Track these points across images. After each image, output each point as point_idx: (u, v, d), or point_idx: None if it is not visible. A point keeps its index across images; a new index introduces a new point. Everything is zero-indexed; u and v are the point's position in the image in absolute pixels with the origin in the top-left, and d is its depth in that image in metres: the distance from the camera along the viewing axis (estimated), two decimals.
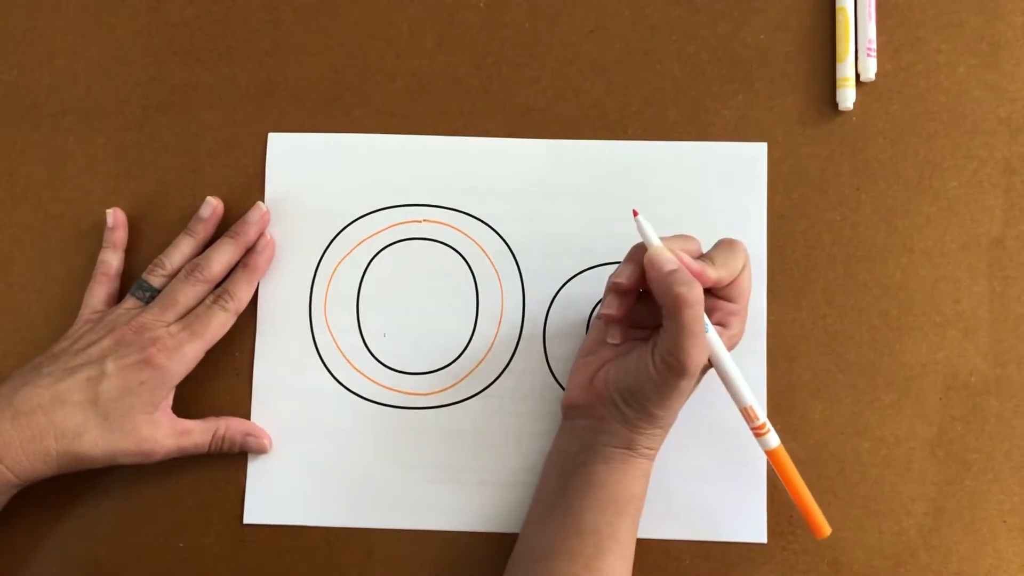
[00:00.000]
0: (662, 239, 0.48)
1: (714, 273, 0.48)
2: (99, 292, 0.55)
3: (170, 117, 0.58)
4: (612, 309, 0.49)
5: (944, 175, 0.56)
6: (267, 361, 0.56)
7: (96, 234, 0.56)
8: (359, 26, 0.58)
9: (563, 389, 0.55)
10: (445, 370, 0.55)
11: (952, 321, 0.55)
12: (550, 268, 0.56)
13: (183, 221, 0.56)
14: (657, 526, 0.53)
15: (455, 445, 0.55)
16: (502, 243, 0.56)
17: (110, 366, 0.50)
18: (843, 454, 0.54)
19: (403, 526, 0.54)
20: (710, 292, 0.49)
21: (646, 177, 0.56)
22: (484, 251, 0.56)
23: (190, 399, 0.54)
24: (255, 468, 0.55)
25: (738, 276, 0.49)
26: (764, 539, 0.53)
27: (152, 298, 0.53)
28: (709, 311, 0.49)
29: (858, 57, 0.56)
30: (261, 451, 0.54)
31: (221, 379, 0.55)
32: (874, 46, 0.56)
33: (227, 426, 0.54)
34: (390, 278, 0.56)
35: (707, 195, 0.56)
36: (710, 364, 0.49)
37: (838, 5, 0.57)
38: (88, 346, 0.51)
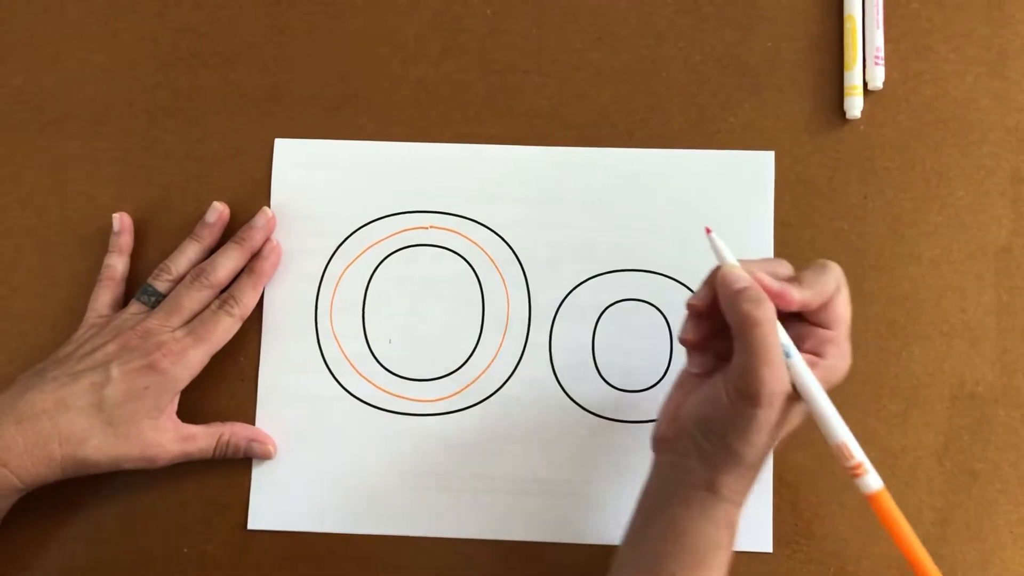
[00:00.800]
0: (747, 262, 0.45)
1: (799, 295, 0.44)
2: (104, 297, 0.55)
3: (176, 122, 0.58)
4: (687, 333, 0.46)
5: (952, 184, 0.55)
6: (272, 367, 0.55)
7: (102, 238, 0.56)
8: (366, 33, 0.58)
9: (568, 397, 0.55)
10: (450, 377, 0.55)
11: (959, 330, 0.55)
12: (556, 275, 0.56)
13: (189, 226, 0.56)
14: None
15: (460, 452, 0.55)
16: (508, 250, 0.56)
17: (115, 371, 0.50)
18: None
19: (408, 533, 0.54)
20: (801, 318, 0.46)
21: (652, 185, 0.56)
22: (490, 258, 0.56)
23: (195, 404, 0.54)
24: (259, 474, 0.55)
25: (832, 299, 0.45)
26: (770, 548, 0.53)
27: (157, 303, 0.53)
28: (801, 339, 0.45)
29: (866, 65, 0.56)
30: (266, 457, 0.54)
31: (226, 384, 0.55)
32: (882, 54, 0.56)
33: (232, 432, 0.54)
34: (396, 284, 0.56)
35: (714, 203, 0.56)
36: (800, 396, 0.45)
37: (846, 13, 0.57)
38: (93, 351, 0.51)
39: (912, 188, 0.56)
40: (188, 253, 0.55)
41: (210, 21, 0.59)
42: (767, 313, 0.43)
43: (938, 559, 0.53)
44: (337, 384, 0.55)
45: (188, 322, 0.53)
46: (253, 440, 0.54)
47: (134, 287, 0.56)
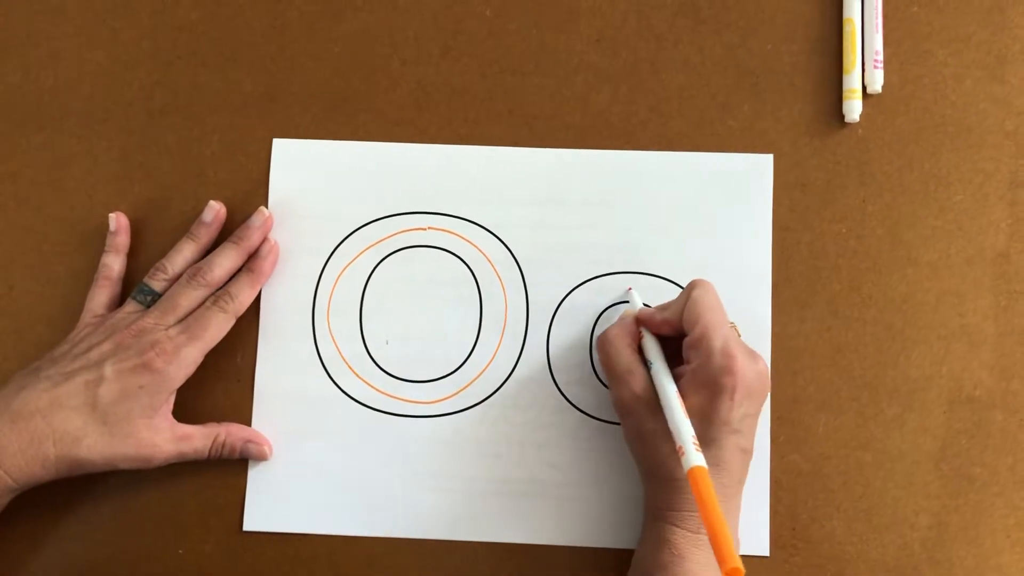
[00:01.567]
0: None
1: (659, 315, 0.50)
2: (100, 296, 0.54)
3: (174, 121, 0.58)
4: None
5: (950, 188, 0.56)
6: (269, 367, 0.55)
7: (98, 237, 0.56)
8: (365, 33, 0.58)
9: (566, 399, 0.55)
10: (448, 378, 0.55)
11: (957, 334, 0.55)
12: (555, 277, 0.55)
13: (186, 225, 0.56)
14: None
15: (457, 454, 0.54)
16: (507, 252, 0.56)
17: (108, 370, 0.50)
18: (846, 467, 0.54)
19: (404, 535, 0.54)
20: (673, 344, 0.50)
21: (651, 187, 0.56)
22: (488, 259, 0.56)
23: (191, 404, 0.54)
24: (255, 474, 0.54)
25: (683, 309, 0.49)
26: (767, 552, 0.53)
27: (153, 302, 0.53)
28: (677, 359, 0.49)
29: (865, 69, 0.56)
30: (261, 458, 0.54)
31: (222, 384, 0.55)
32: (881, 58, 0.56)
33: (228, 432, 0.53)
34: (394, 285, 0.56)
35: (712, 206, 0.56)
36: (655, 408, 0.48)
37: (845, 16, 0.57)
38: (88, 350, 0.51)
39: (910, 192, 0.56)
40: (184, 252, 0.55)
41: (209, 20, 0.59)
42: (609, 332, 0.50)
43: (935, 563, 0.53)
44: (334, 385, 0.55)
45: (183, 320, 0.52)
46: (249, 441, 0.54)
47: (131, 286, 0.56)
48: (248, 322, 0.55)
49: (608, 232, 0.56)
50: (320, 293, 0.56)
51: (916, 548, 0.53)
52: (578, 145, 0.57)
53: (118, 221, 0.56)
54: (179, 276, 0.54)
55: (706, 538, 0.46)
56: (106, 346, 0.51)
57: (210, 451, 0.53)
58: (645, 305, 0.54)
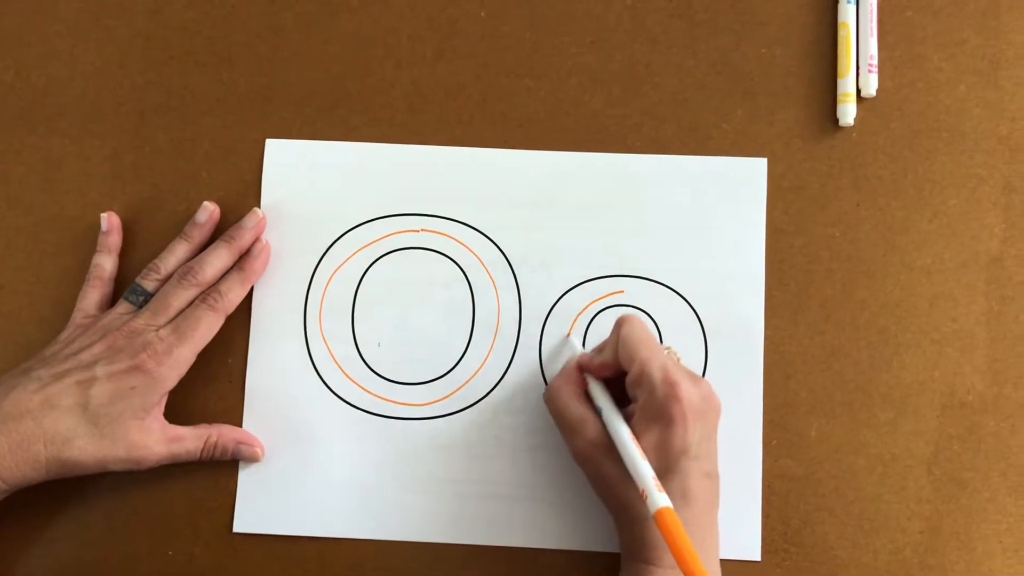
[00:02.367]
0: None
1: (597, 359, 0.50)
2: (92, 296, 0.54)
3: (167, 121, 0.58)
4: None
5: (944, 192, 0.56)
6: (260, 368, 0.55)
7: (90, 237, 0.56)
8: (359, 34, 0.58)
9: None
10: (439, 381, 0.55)
11: (950, 339, 0.55)
12: (547, 280, 0.55)
13: (178, 226, 0.56)
14: None
15: (448, 457, 0.54)
16: (500, 254, 0.56)
17: (100, 371, 0.50)
18: (839, 471, 0.54)
19: (394, 537, 0.54)
20: (619, 382, 0.49)
21: (645, 190, 0.56)
22: (481, 262, 0.56)
23: (182, 405, 0.54)
24: (246, 476, 0.54)
25: (615, 349, 0.49)
26: (758, 557, 0.53)
27: (145, 303, 0.53)
28: (626, 398, 0.49)
29: (859, 73, 0.56)
30: (253, 459, 0.54)
31: (214, 385, 0.55)
32: (875, 62, 0.56)
33: (219, 433, 0.53)
34: (386, 287, 0.56)
35: (706, 209, 0.56)
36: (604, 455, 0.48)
37: (840, 20, 0.57)
38: (79, 351, 0.51)
39: (904, 196, 0.56)
40: (177, 252, 0.55)
41: (203, 20, 0.58)
42: (554, 385, 0.50)
43: (927, 568, 0.53)
44: (325, 387, 0.55)
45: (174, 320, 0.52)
46: (240, 442, 0.54)
47: (123, 286, 0.55)
48: (239, 323, 0.55)
49: (602, 235, 0.56)
50: (312, 294, 0.56)
51: (908, 553, 0.53)
52: (572, 148, 0.56)
53: (110, 221, 0.56)
54: (172, 276, 0.54)
55: None
56: (98, 347, 0.51)
57: (201, 452, 0.53)
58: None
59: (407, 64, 0.58)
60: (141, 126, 0.58)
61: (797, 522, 0.53)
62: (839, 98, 0.56)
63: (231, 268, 0.55)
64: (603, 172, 0.56)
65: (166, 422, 0.52)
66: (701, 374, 0.54)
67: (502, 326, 0.55)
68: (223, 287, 0.53)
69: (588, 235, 0.56)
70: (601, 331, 0.55)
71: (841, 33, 0.56)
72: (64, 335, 0.53)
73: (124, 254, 0.56)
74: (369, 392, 0.55)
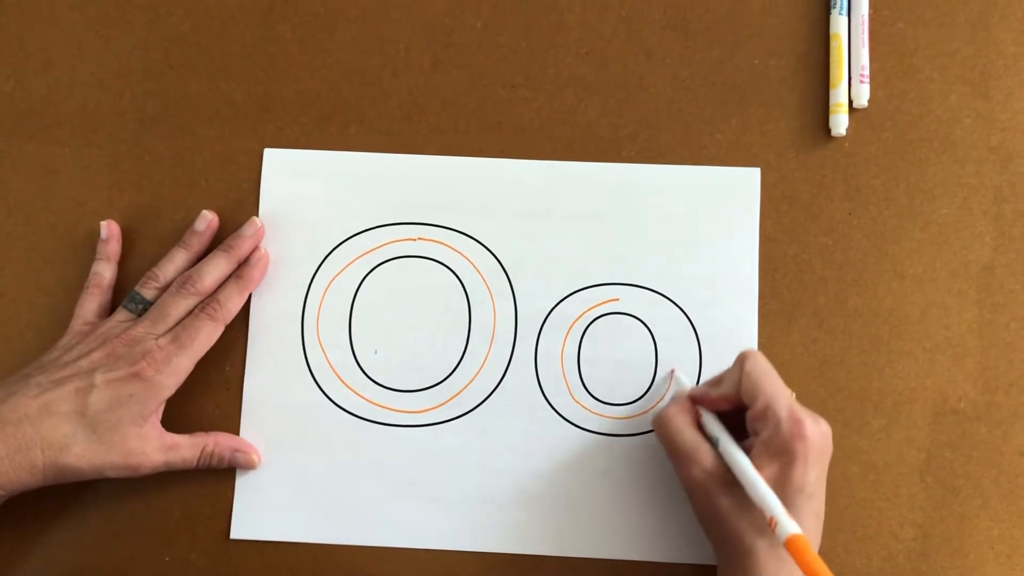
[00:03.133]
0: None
1: (715, 392, 0.50)
2: (91, 304, 0.55)
3: (166, 130, 0.58)
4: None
5: (935, 202, 0.56)
6: (258, 376, 0.55)
7: (89, 245, 0.56)
8: (356, 44, 0.58)
9: (553, 410, 0.55)
10: (436, 388, 0.55)
11: (942, 347, 0.55)
12: (543, 288, 0.56)
13: (177, 234, 0.56)
14: (634, 547, 0.53)
15: (444, 463, 0.55)
16: (496, 262, 0.56)
17: (99, 378, 0.50)
18: (831, 478, 0.54)
19: (391, 544, 0.54)
20: (737, 414, 0.49)
21: (639, 200, 0.56)
22: (477, 270, 0.56)
23: (180, 412, 0.54)
24: (243, 483, 0.55)
25: (738, 382, 0.49)
26: None
27: (144, 310, 0.53)
28: (743, 431, 0.49)
29: (851, 83, 0.57)
30: (250, 467, 0.54)
31: (211, 393, 0.55)
32: (867, 73, 0.56)
33: (216, 442, 0.53)
34: (383, 295, 0.56)
35: (700, 218, 0.56)
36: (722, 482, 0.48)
37: (832, 31, 0.57)
38: (78, 358, 0.51)
39: (896, 205, 0.56)
40: (176, 261, 0.55)
41: (201, 30, 0.59)
42: (668, 411, 0.50)
43: (919, 574, 0.53)
44: (322, 394, 0.55)
45: (172, 329, 0.53)
46: (237, 450, 0.54)
47: (121, 294, 0.56)
48: (237, 331, 0.55)
49: (596, 244, 0.56)
50: (309, 302, 0.56)
51: (901, 559, 0.53)
52: (567, 157, 0.57)
53: (109, 229, 0.56)
54: (170, 285, 0.54)
55: None
56: (97, 355, 0.51)
57: (198, 461, 0.53)
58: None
59: (404, 74, 0.58)
60: (140, 135, 0.58)
61: None
62: (831, 108, 0.56)
63: (229, 277, 0.55)
64: (598, 181, 0.57)
65: (163, 430, 0.52)
66: (696, 382, 0.55)
67: (498, 333, 0.56)
68: (222, 296, 0.54)
69: (583, 243, 0.56)
70: (597, 340, 0.55)
71: (833, 44, 0.57)
72: (63, 342, 0.53)
73: (123, 262, 0.56)
74: (366, 399, 0.55)
